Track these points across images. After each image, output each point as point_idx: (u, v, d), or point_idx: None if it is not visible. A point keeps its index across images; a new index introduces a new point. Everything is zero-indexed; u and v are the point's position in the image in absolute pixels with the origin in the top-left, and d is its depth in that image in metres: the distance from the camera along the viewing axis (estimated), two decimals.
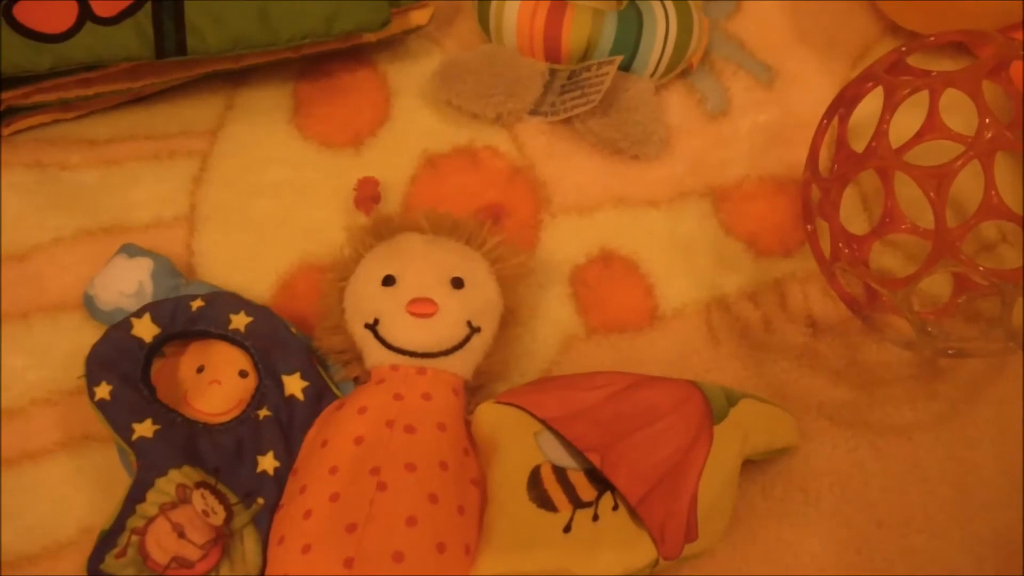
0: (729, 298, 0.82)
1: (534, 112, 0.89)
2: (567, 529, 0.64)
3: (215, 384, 0.72)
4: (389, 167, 0.87)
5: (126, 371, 0.69)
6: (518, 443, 0.68)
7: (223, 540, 0.65)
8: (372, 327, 0.72)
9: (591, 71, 0.85)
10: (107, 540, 0.64)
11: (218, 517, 0.66)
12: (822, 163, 0.78)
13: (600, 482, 0.66)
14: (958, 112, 0.76)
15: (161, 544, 0.64)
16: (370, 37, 0.88)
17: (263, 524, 0.66)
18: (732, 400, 0.71)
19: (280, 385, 0.70)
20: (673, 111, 0.91)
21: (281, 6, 0.81)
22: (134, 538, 0.64)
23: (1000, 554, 0.73)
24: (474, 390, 0.74)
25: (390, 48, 0.93)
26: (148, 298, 0.75)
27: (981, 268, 0.65)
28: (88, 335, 0.73)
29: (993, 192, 0.80)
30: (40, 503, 0.73)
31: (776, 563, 0.72)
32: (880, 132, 0.71)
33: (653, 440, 0.67)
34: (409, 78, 0.92)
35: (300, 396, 0.70)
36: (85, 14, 0.79)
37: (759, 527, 0.73)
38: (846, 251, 0.74)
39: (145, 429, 0.67)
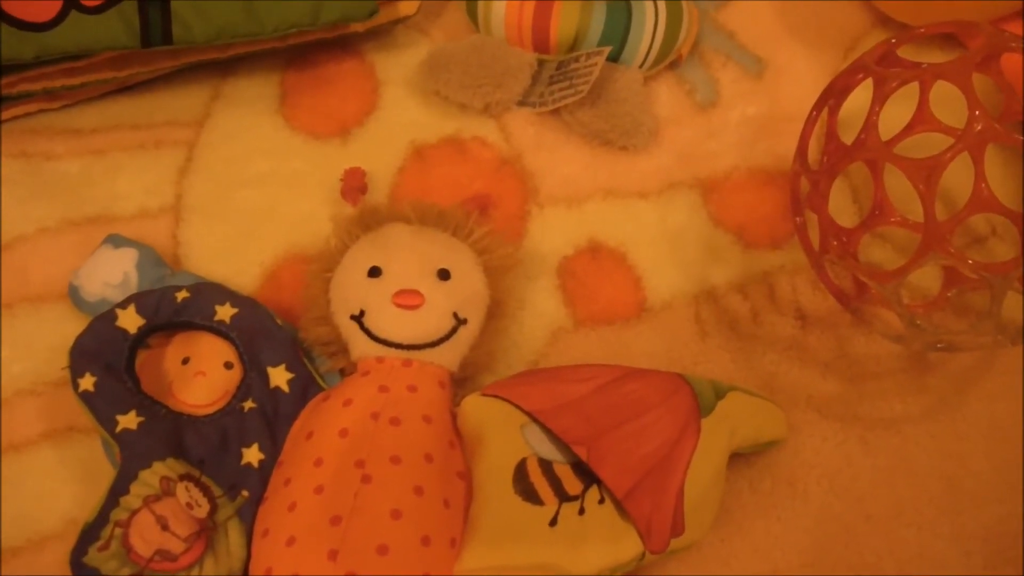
0: (718, 290, 0.82)
1: (522, 103, 0.88)
2: (553, 523, 0.64)
3: (200, 376, 0.71)
4: (376, 157, 0.86)
5: (110, 362, 0.69)
6: (504, 436, 0.67)
7: (207, 533, 0.65)
8: (358, 318, 0.71)
9: (579, 62, 0.85)
10: (90, 533, 0.63)
11: (202, 510, 0.65)
12: (811, 155, 0.78)
13: (586, 475, 0.66)
14: (948, 104, 0.75)
15: (144, 537, 0.63)
16: (357, 27, 0.87)
17: (247, 517, 0.66)
18: (720, 393, 0.71)
19: (265, 377, 0.70)
20: (662, 102, 0.91)
21: None
22: (117, 531, 0.63)
23: (990, 548, 0.73)
24: (460, 382, 0.74)
25: (377, 38, 0.93)
26: (133, 289, 0.75)
27: (971, 261, 0.65)
28: (73, 326, 0.72)
29: (983, 185, 0.80)
30: (23, 495, 0.73)
31: (764, 557, 0.72)
32: (870, 124, 0.71)
33: (640, 433, 0.67)
34: (396, 68, 0.92)
35: (285, 388, 0.70)
36: (70, 3, 0.79)
37: (747, 521, 0.73)
38: (835, 243, 0.74)
39: (129, 421, 0.67)
